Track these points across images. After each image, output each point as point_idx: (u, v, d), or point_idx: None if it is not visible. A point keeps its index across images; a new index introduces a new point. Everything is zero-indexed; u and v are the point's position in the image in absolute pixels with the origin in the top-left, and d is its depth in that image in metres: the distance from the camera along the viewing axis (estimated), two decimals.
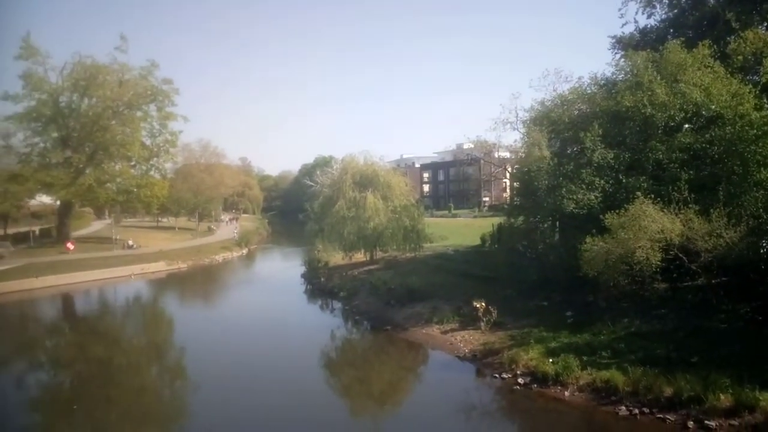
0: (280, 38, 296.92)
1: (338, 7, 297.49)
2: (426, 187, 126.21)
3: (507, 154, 51.03)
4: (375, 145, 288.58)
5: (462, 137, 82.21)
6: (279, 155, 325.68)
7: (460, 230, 60.28)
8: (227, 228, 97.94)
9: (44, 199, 75.76)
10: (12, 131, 63.26)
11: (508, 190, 74.12)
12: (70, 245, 61.33)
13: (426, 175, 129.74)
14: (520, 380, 20.34)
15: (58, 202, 69.22)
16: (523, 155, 31.42)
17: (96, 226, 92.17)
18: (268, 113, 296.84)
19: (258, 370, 24.12)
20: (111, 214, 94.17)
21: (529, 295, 28.38)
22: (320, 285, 43.73)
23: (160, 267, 56.64)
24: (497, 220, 40.25)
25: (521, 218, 31.31)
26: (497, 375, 21.30)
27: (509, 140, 47.24)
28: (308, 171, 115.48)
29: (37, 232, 72.10)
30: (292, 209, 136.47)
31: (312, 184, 54.47)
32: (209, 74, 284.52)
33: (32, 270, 48.95)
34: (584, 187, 25.06)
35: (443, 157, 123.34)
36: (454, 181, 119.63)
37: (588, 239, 21.33)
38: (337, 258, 48.34)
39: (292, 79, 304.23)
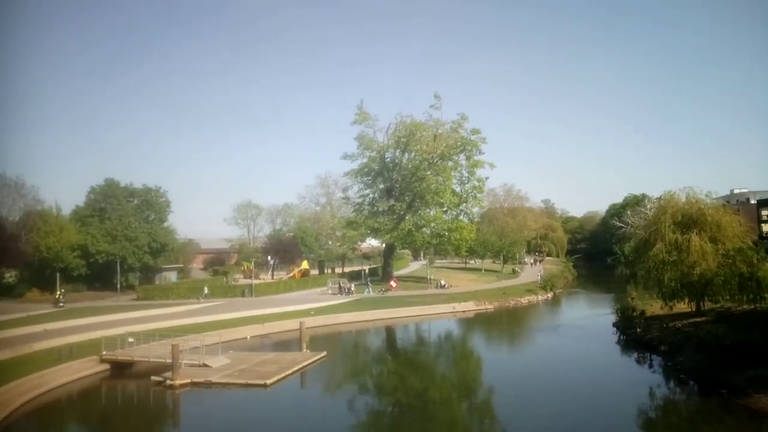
0: (579, 81, 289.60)
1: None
2: (766, 227, 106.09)
3: None
4: (697, 180, 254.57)
5: None
6: (583, 195, 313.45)
7: None
8: (531, 270, 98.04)
9: (372, 242, 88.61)
10: (349, 185, 78.24)
11: None
12: (392, 283, 69.90)
13: (765, 213, 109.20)
14: None
15: (383, 245, 79.91)
16: None
17: (413, 267, 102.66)
18: (572, 153, 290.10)
19: (569, 423, 23.03)
20: (425, 255, 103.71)
21: None
22: (635, 336, 40.00)
23: (468, 306, 59.40)
24: None
25: None
26: None
27: None
28: (617, 211, 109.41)
29: (367, 271, 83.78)
30: (599, 252, 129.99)
31: (622, 225, 51.26)
32: (514, 120, 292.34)
33: (362, 305, 56.61)
34: None
35: None
36: None
37: None
38: (654, 307, 43.89)
39: (593, 119, 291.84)
